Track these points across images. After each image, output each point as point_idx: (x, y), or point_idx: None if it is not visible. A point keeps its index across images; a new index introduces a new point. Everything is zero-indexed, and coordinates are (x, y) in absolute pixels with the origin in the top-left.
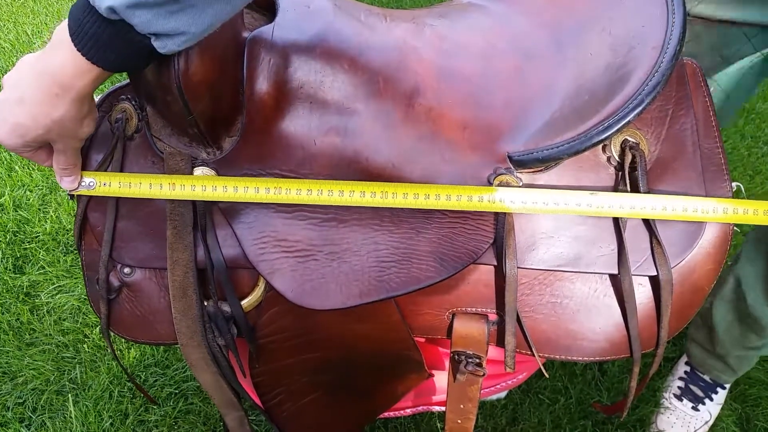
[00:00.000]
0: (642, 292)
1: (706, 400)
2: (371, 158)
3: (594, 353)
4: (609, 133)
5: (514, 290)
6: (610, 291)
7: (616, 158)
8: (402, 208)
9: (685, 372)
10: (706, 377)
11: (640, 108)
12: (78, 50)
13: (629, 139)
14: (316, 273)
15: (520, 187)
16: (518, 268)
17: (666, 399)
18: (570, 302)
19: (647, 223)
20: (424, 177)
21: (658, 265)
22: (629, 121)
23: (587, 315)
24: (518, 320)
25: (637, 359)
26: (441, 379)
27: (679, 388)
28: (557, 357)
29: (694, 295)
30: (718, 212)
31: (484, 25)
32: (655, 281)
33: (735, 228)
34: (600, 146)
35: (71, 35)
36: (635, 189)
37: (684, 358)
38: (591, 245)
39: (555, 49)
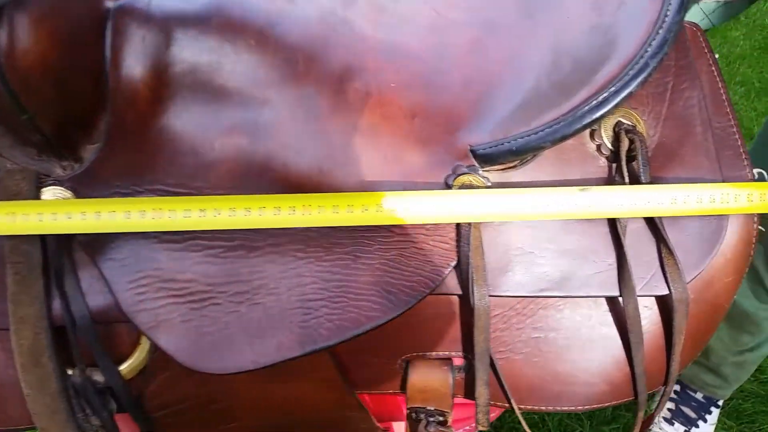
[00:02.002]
0: (648, 317)
1: (700, 422)
2: (290, 163)
3: (590, 400)
4: (605, 109)
5: (485, 326)
6: (608, 318)
7: (609, 146)
8: (334, 227)
9: (675, 392)
10: (699, 395)
11: (644, 74)
12: None
13: (623, 121)
14: (218, 322)
15: (487, 188)
16: (490, 296)
17: (655, 424)
18: (557, 336)
19: (653, 225)
20: (361, 183)
21: (670, 281)
22: (631, 91)
23: (580, 352)
24: (492, 364)
25: (642, 402)
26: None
27: (669, 410)
28: (544, 408)
29: (711, 315)
30: (741, 201)
31: None
32: (664, 302)
33: (760, 227)
34: (587, 132)
35: None
36: (635, 182)
37: None
38: (583, 260)
39: (521, 15)
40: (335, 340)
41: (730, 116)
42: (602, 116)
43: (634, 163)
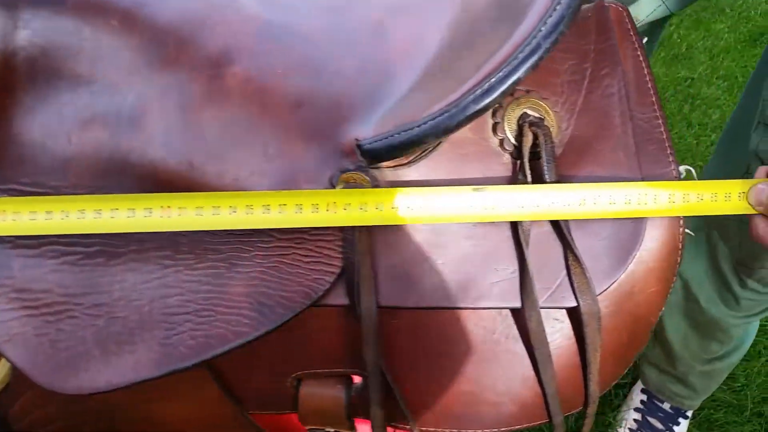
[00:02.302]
0: (560, 331)
1: None
2: (157, 158)
3: (498, 422)
4: (489, 99)
5: (373, 340)
6: (514, 332)
7: (512, 141)
8: (206, 231)
9: (642, 401)
10: (666, 405)
11: (535, 57)
12: None
13: (529, 113)
14: (74, 337)
15: (374, 188)
16: (380, 307)
17: None
18: (459, 352)
19: (559, 229)
20: (237, 182)
21: (577, 291)
22: (518, 79)
23: (485, 368)
24: (387, 382)
25: (557, 425)
26: None
27: (635, 421)
28: (448, 430)
29: (634, 329)
30: (661, 201)
31: None
32: (576, 314)
33: (688, 231)
34: (489, 126)
35: None
36: (539, 181)
37: (639, 385)
38: (484, 268)
39: None
40: (195, 359)
41: (656, 107)
42: (487, 106)
43: (540, 160)
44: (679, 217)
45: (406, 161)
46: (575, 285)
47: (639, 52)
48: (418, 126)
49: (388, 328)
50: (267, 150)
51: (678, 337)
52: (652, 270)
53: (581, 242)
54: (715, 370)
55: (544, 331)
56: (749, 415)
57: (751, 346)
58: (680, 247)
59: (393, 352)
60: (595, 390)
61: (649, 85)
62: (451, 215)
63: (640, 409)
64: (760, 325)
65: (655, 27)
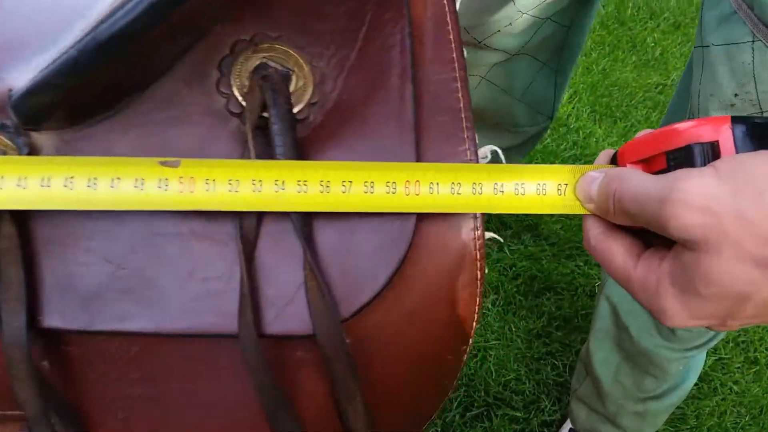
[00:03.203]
0: (314, 364)
1: None
2: None
3: None
4: (125, 20)
5: (28, 374)
6: (237, 367)
7: (240, 101)
8: None
9: None
10: None
11: None
12: None
13: (270, 64)
14: None
15: (23, 157)
16: (39, 329)
17: None
18: (173, 390)
19: (297, 228)
20: None
21: (314, 313)
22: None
23: (208, 410)
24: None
25: None
26: None
27: None
28: None
29: (417, 368)
30: (442, 192)
31: None
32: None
33: (494, 236)
34: (214, 80)
35: None
36: (268, 154)
37: (567, 424)
38: (186, 278)
39: None
40: None
41: (455, 64)
42: (125, 32)
43: (270, 127)
44: (474, 214)
45: (72, 124)
46: (312, 305)
47: None
48: (45, 70)
49: (62, 355)
50: None
51: (608, 371)
52: (432, 288)
53: (327, 244)
54: (649, 411)
55: (262, 363)
56: None
57: (705, 383)
58: (477, 257)
59: (72, 387)
60: None
61: (451, 37)
62: (124, 199)
63: None
64: (719, 359)
65: None
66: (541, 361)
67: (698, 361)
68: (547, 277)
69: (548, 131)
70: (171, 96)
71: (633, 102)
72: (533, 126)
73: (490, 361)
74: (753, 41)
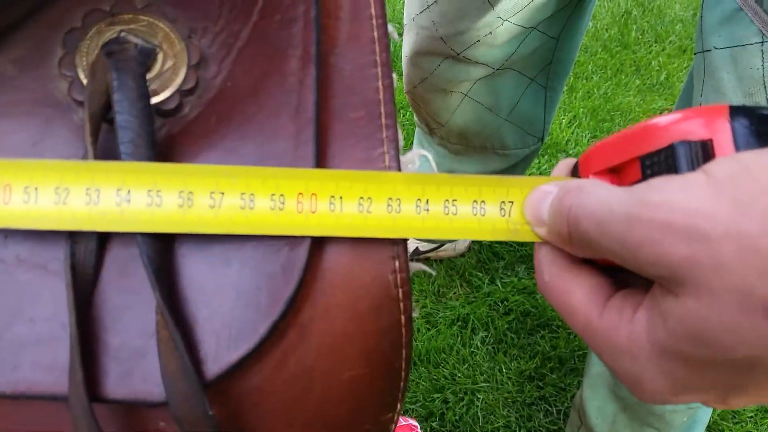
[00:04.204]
0: None
1: None
2: None
3: None
4: None
5: None
6: None
7: (85, 84)
8: None
9: None
10: None
11: None
12: None
13: (131, 39)
14: None
15: None
16: None
17: None
18: None
19: (145, 256)
20: None
21: (166, 373)
22: None
23: None
24: None
25: None
26: None
27: None
28: None
29: None
30: (348, 210)
31: None
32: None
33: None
34: (57, 59)
35: None
36: (113, 157)
37: None
38: (21, 323)
39: None
40: None
41: (376, 45)
42: None
43: (113, 118)
44: (392, 240)
45: None
46: (164, 362)
47: None
48: None
49: None
50: None
51: (604, 422)
52: (337, 339)
53: (193, 280)
54: None
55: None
56: None
57: None
58: (400, 296)
59: None
60: None
61: (372, 11)
62: None
63: None
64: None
65: None
66: (534, 407)
67: (706, 412)
68: (541, 313)
69: (545, 157)
70: (17, 81)
71: None
72: (523, 148)
73: (477, 406)
74: (762, 42)
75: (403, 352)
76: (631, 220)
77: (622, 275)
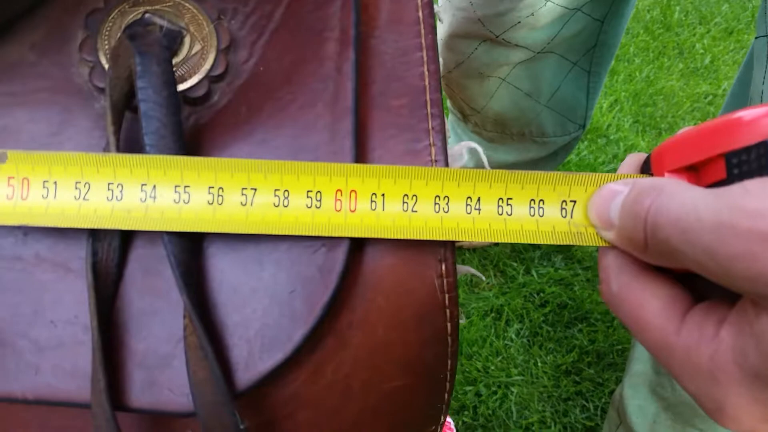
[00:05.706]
0: None
1: None
2: None
3: None
4: None
5: None
6: None
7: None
8: None
9: None
10: None
11: None
12: None
13: (155, 20)
14: None
15: None
16: None
17: None
18: None
19: (172, 257)
20: None
21: (194, 382)
22: None
23: None
24: None
25: None
26: None
27: None
28: None
29: None
30: (391, 210)
31: None
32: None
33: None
34: (77, 45)
35: None
36: (136, 149)
37: None
38: (26, 322)
39: None
40: None
41: (422, 27)
42: None
43: (137, 106)
44: (440, 242)
45: None
46: (193, 370)
47: None
48: None
49: None
50: None
51: (644, 421)
52: (378, 348)
53: (225, 283)
54: None
55: None
56: None
57: None
58: (446, 303)
59: None
60: None
61: None
62: None
63: None
64: None
65: None
66: (570, 402)
67: None
68: (579, 306)
69: (585, 142)
70: (13, 68)
71: (680, 113)
72: (563, 136)
73: (511, 400)
74: None
75: (449, 362)
76: (724, 230)
77: (700, 284)
